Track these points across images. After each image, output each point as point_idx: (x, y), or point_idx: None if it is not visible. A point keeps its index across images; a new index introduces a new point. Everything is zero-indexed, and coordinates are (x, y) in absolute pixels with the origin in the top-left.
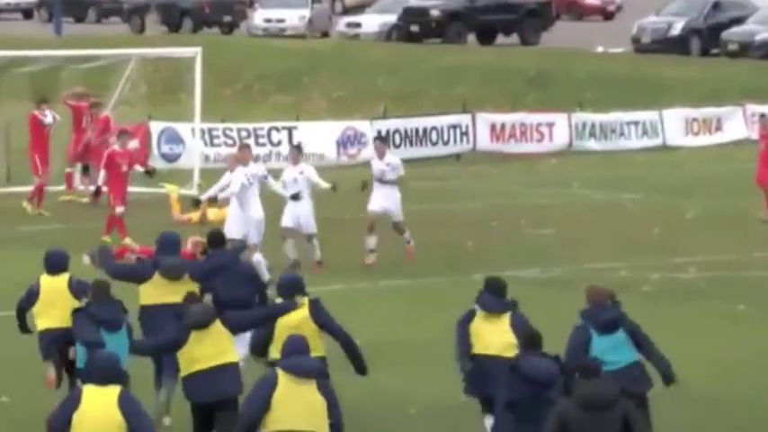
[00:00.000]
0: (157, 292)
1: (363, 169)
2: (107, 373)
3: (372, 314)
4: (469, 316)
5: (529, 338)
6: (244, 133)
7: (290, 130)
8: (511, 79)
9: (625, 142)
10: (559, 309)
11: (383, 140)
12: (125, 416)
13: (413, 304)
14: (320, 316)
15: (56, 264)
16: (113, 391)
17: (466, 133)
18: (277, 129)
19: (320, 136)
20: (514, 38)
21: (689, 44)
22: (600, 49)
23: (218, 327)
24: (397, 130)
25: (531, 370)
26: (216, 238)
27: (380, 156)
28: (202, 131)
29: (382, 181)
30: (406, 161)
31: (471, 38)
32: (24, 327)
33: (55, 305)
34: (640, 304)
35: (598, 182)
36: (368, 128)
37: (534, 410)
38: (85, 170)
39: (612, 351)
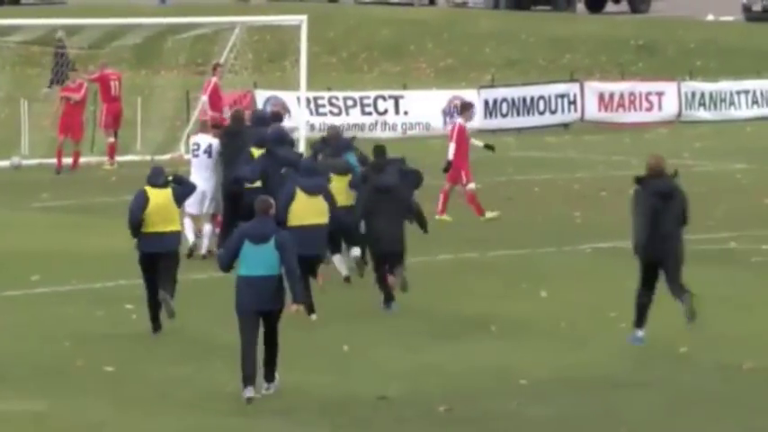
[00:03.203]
0: None
1: (473, 138)
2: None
3: (480, 285)
4: None
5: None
6: (350, 102)
7: (396, 99)
8: (620, 48)
9: (735, 112)
10: None
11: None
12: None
13: (520, 275)
14: None
15: (159, 176)
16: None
17: (574, 102)
18: (383, 97)
19: (427, 105)
20: (624, 5)
21: None
22: (710, 17)
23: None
24: (504, 99)
25: None
26: None
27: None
28: (308, 100)
29: None
30: (513, 130)
31: (580, 6)
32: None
33: (159, 213)
34: (750, 275)
35: (708, 152)
36: (475, 97)
37: None
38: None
39: None
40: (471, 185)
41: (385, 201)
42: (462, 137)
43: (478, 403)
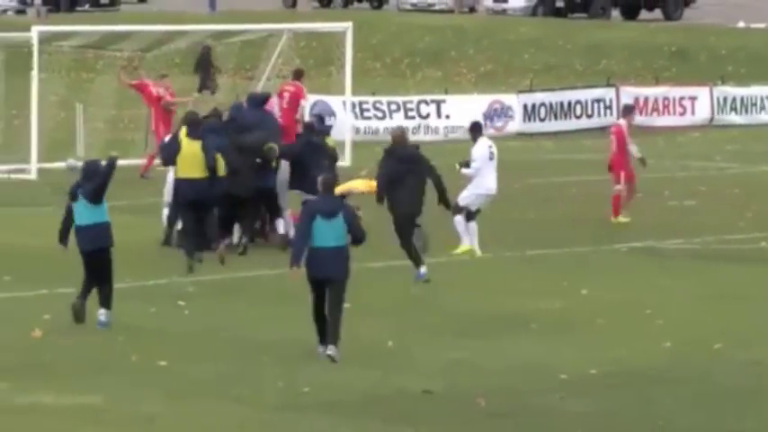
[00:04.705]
0: None
1: (512, 141)
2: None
3: (520, 283)
4: None
5: None
6: (393, 106)
7: (438, 103)
8: (654, 54)
9: (766, 116)
10: (703, 279)
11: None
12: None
13: (559, 273)
14: None
15: (195, 126)
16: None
17: (609, 107)
18: (426, 102)
19: (467, 109)
20: (657, 13)
21: None
22: (741, 24)
23: None
24: (542, 104)
25: None
26: None
27: None
28: (353, 104)
29: None
30: (551, 134)
31: (615, 13)
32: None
33: (186, 160)
34: None
35: (739, 155)
36: (514, 101)
37: None
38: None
39: None
40: (620, 187)
41: (407, 171)
42: (622, 139)
43: (518, 398)
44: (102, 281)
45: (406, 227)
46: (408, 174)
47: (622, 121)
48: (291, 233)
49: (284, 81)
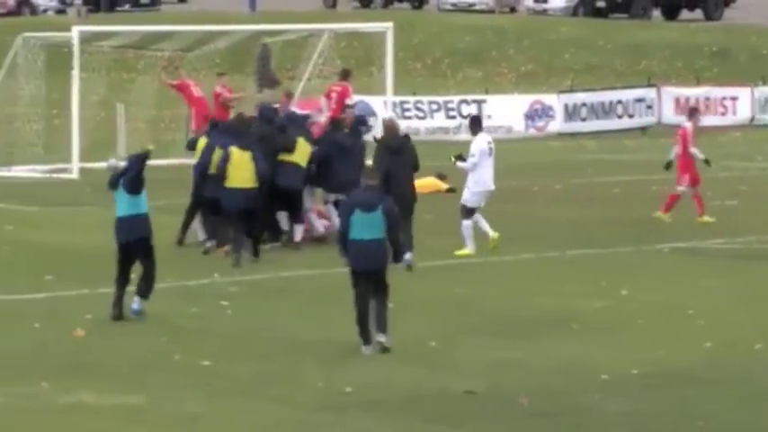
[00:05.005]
0: None
1: (553, 142)
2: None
3: (561, 283)
4: None
5: None
6: (434, 106)
7: (479, 103)
8: (695, 54)
9: None
10: (745, 279)
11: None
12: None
13: (601, 274)
14: None
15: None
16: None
17: (651, 107)
18: (467, 102)
19: (508, 109)
20: (698, 13)
21: None
22: None
23: None
24: (583, 104)
25: None
26: None
27: None
28: (394, 104)
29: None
30: (592, 133)
31: (656, 13)
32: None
33: (237, 170)
34: None
35: None
36: (555, 101)
37: None
38: None
39: None
40: (681, 188)
41: (400, 161)
42: (686, 141)
43: (559, 399)
44: (145, 271)
45: (402, 215)
46: (401, 163)
47: (688, 124)
48: (319, 228)
49: (326, 81)
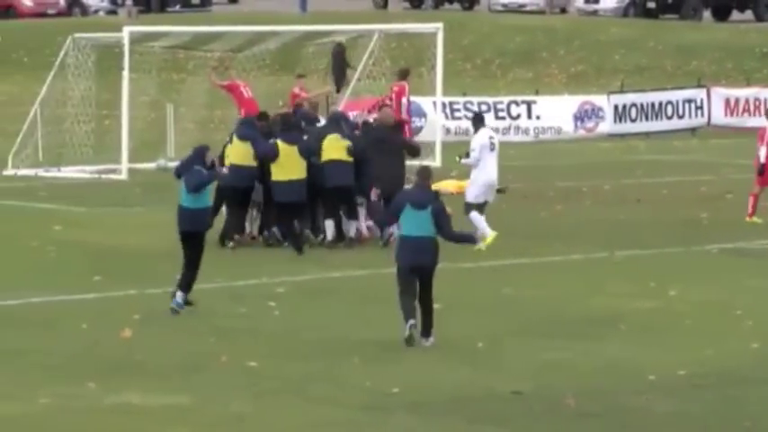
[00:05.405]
0: None
1: (603, 143)
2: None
3: (609, 284)
4: None
5: None
6: (484, 107)
7: (528, 104)
8: (745, 55)
9: None
10: None
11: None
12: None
13: (649, 274)
14: None
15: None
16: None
17: (701, 108)
18: (516, 103)
19: (558, 110)
20: (749, 14)
21: None
22: None
23: None
24: (633, 104)
25: None
26: None
27: None
28: (444, 105)
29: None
30: (642, 134)
31: (706, 14)
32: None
33: (287, 162)
34: None
35: None
36: (605, 102)
37: None
38: None
39: None
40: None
41: (382, 149)
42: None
43: (607, 399)
44: (191, 265)
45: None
46: (386, 150)
47: None
48: (363, 229)
49: (375, 82)
